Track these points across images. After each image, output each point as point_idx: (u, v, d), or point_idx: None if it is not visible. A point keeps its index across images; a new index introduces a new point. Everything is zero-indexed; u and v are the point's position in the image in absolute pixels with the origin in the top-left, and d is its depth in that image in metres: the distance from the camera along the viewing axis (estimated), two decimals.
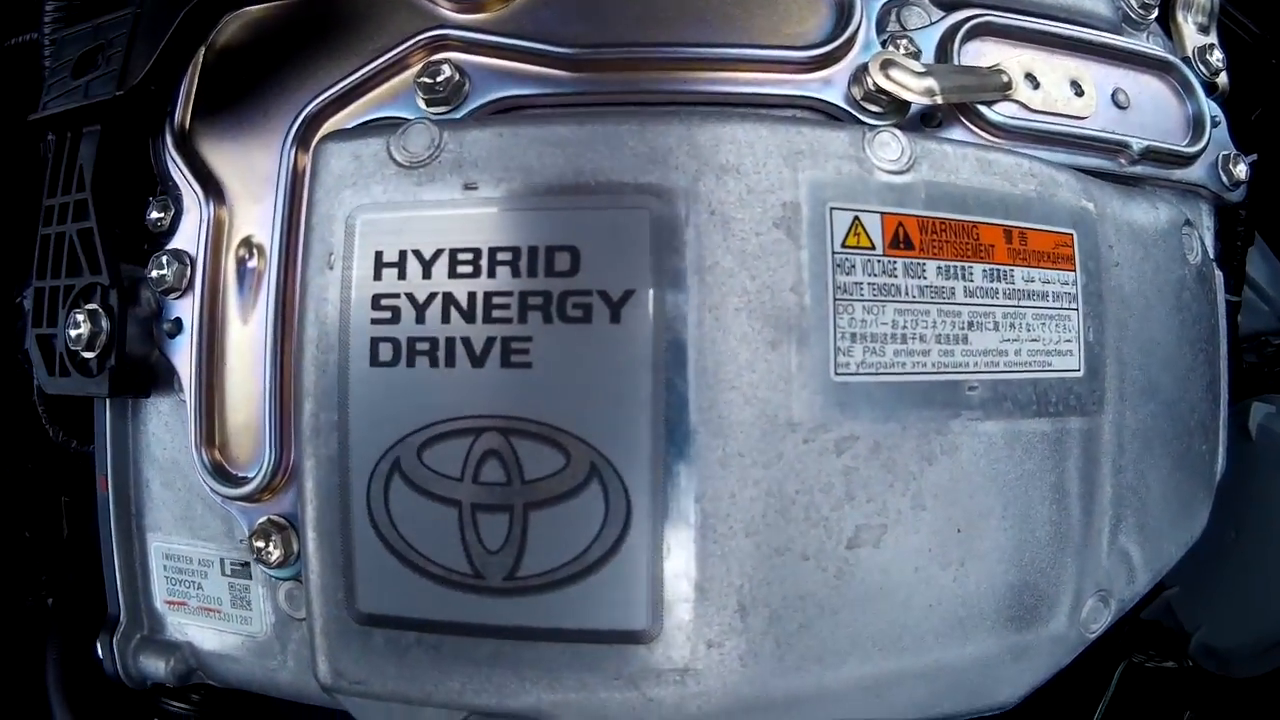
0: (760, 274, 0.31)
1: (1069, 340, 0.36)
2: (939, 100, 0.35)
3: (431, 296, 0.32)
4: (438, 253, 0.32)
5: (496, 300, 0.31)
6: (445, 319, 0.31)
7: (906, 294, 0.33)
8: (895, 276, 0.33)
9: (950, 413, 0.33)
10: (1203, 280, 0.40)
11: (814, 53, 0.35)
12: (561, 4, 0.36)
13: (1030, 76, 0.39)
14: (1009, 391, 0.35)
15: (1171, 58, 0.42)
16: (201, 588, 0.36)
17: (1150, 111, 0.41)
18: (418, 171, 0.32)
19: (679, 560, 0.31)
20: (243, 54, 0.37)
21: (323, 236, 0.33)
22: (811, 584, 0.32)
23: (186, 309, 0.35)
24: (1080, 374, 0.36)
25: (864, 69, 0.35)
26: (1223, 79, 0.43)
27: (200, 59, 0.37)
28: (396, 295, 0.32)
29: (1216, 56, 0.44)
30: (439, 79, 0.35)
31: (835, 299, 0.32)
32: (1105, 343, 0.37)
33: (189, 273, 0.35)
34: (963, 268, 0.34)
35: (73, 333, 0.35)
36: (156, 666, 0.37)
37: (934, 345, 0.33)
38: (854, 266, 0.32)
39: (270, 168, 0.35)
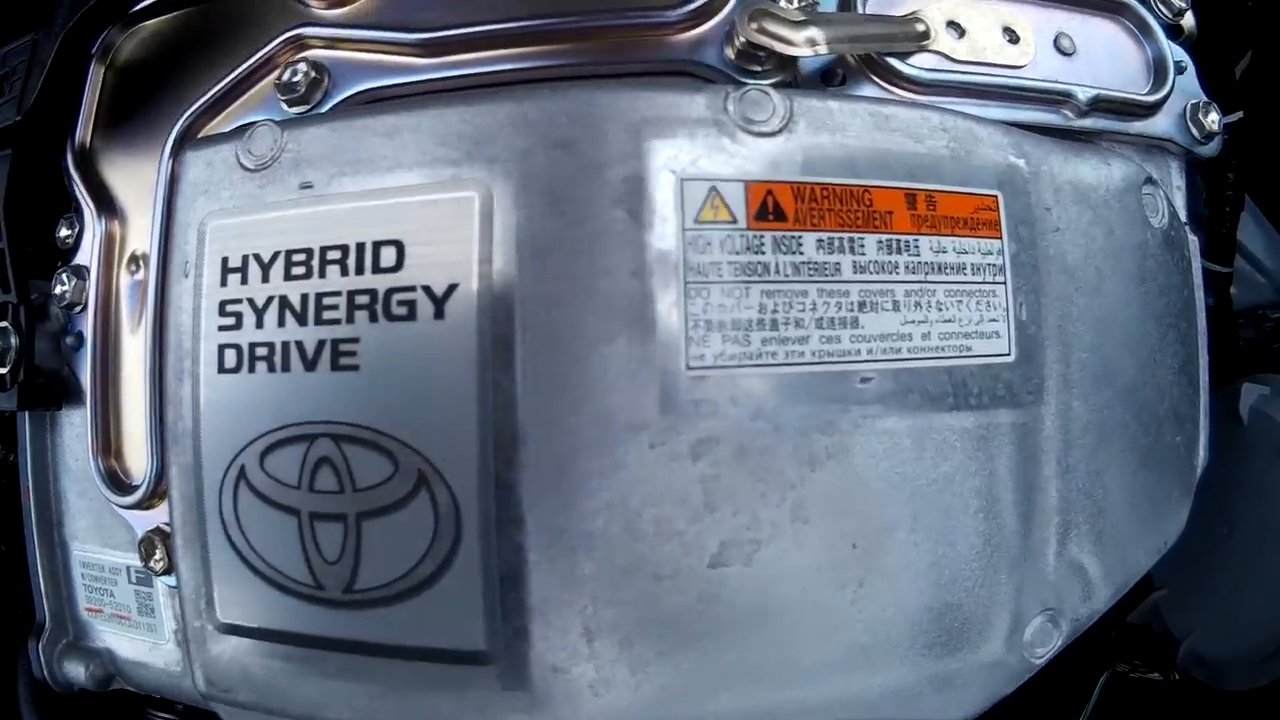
0: (597, 258, 0.25)
1: (995, 320, 0.28)
2: (823, 51, 0.28)
3: (269, 300, 0.27)
4: (275, 255, 0.28)
5: (326, 301, 0.27)
6: (281, 323, 0.27)
7: (777, 272, 0.26)
8: (762, 253, 0.26)
9: (838, 409, 0.26)
10: (1171, 245, 0.30)
11: (682, 10, 0.29)
12: None
13: (954, 24, 0.31)
14: (915, 382, 0.27)
15: None
16: (113, 595, 0.34)
17: (1102, 58, 0.31)
18: (261, 174, 0.28)
19: (514, 578, 0.25)
20: (138, 70, 0.35)
21: (180, 245, 0.29)
22: (669, 607, 0.25)
23: (87, 323, 0.33)
24: (1010, 359, 0.28)
25: (734, 24, 0.28)
26: (1188, 20, 0.33)
27: (101, 78, 0.35)
28: (239, 301, 0.28)
29: None
30: (295, 78, 0.30)
31: (687, 283, 0.25)
32: (1043, 321, 0.28)
33: (87, 287, 0.33)
34: (850, 239, 0.26)
35: None
36: (78, 672, 0.35)
37: (814, 331, 0.26)
38: (710, 244, 0.25)
39: (154, 181, 0.33)
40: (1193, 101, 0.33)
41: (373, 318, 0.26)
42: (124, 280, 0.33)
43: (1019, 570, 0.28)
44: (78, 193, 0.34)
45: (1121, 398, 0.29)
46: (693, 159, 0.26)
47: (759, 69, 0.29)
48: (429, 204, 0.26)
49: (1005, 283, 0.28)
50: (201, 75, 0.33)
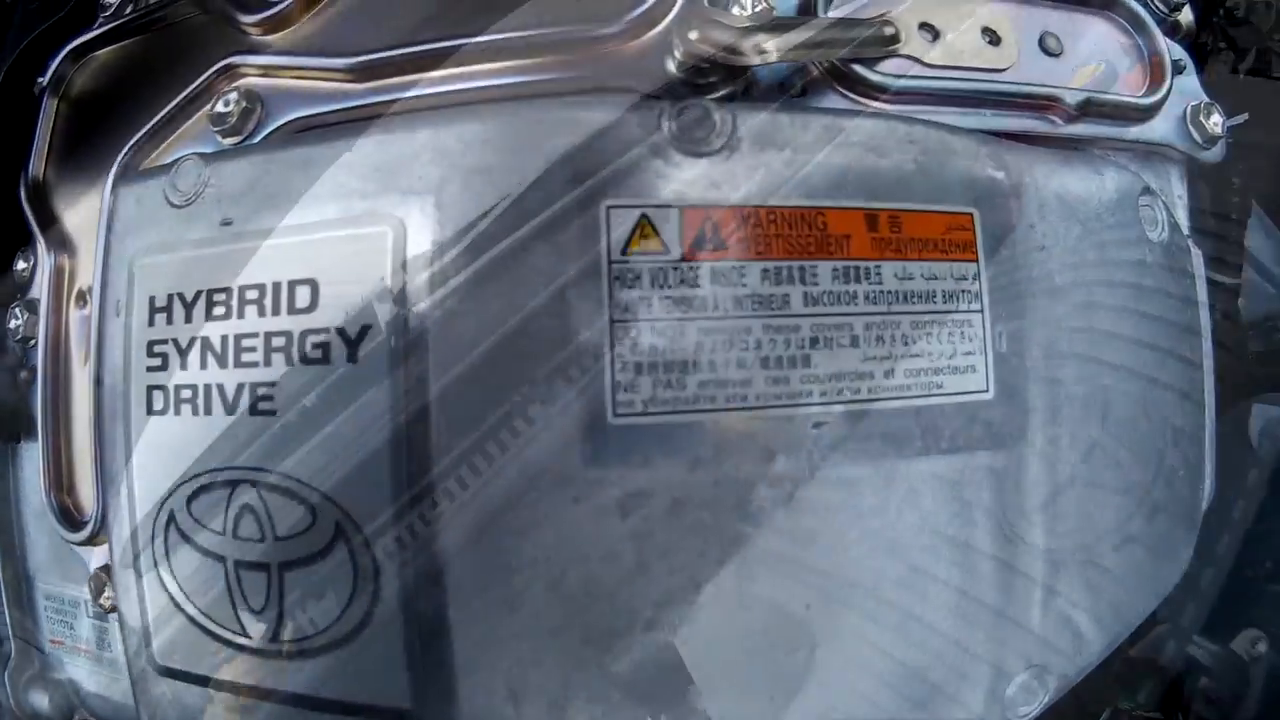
0: (517, 297, 0.22)
1: (970, 352, 0.24)
2: (773, 60, 0.24)
3: (192, 341, 0.26)
4: (197, 295, 0.26)
5: (245, 343, 0.25)
6: (203, 365, 0.25)
7: (716, 308, 0.23)
8: (699, 286, 0.23)
9: (787, 457, 0.23)
10: (1171, 260, 0.26)
11: (623, 21, 0.26)
12: (352, 11, 0.28)
13: (928, 26, 0.27)
14: (876, 425, 0.23)
15: None
16: (74, 628, 0.34)
17: (1092, 58, 0.27)
18: (186, 210, 0.27)
19: (435, 636, 0.23)
20: (89, 101, 0.33)
21: (113, 282, 0.28)
22: (600, 671, 0.23)
23: (39, 358, 0.32)
24: (989, 395, 0.24)
25: (672, 32, 0.25)
26: (1186, 16, 0.29)
27: (54, 110, 0.33)
28: (165, 341, 0.26)
29: None
30: (227, 109, 0.29)
31: (613, 321, 0.22)
32: (1026, 352, 0.24)
33: (38, 322, 0.32)
34: (801, 268, 0.23)
35: None
36: (42, 702, 0.34)
37: (758, 372, 0.23)
38: (639, 278, 0.22)
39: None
40: (1193, 103, 0.28)
41: (288, 361, 0.24)
42: (74, 315, 0.32)
43: (1000, 626, 0.25)
44: (31, 226, 0.33)
45: (1116, 432, 0.25)
46: (620, 183, 0.23)
47: (705, 81, 0.25)
48: (342, 240, 0.24)
49: (982, 310, 0.24)
50: (150, 106, 0.32)
